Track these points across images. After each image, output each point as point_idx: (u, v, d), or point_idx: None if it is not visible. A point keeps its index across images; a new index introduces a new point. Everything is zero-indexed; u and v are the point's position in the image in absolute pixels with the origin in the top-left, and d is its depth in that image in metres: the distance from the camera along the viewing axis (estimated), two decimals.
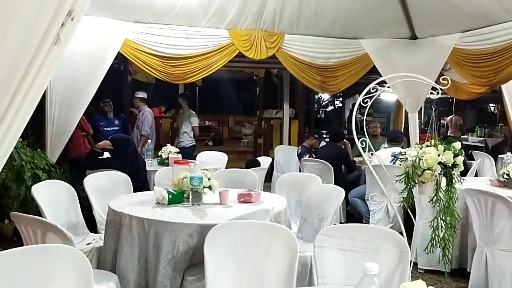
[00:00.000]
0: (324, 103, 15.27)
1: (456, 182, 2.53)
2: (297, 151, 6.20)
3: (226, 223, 2.38)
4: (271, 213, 2.72)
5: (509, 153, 5.37)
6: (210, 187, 3.04)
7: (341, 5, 5.43)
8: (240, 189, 3.25)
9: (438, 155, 2.46)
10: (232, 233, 2.28)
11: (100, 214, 3.47)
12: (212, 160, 5.58)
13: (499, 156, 6.46)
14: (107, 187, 3.66)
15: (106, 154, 4.56)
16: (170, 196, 2.95)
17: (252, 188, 3.51)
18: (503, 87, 6.34)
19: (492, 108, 12.79)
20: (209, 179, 3.05)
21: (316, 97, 13.62)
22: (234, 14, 5.33)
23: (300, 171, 5.85)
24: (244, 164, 5.69)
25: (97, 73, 4.91)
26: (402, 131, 7.23)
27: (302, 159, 5.79)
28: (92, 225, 3.49)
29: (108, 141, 4.51)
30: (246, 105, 15.06)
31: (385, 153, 5.11)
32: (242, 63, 7.14)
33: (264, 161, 5.67)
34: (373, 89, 2.71)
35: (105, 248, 2.82)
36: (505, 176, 3.91)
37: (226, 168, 5.21)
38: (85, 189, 3.55)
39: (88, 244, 3.13)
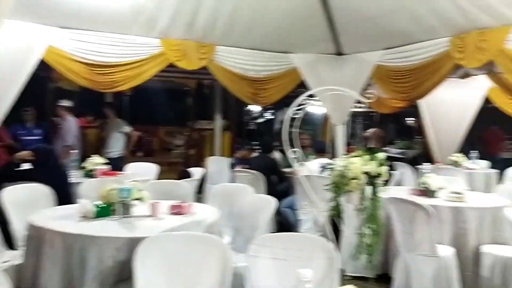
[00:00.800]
0: (254, 115, 15.45)
1: (380, 191, 2.67)
2: (230, 162, 6.22)
3: (157, 235, 2.33)
4: (203, 224, 2.69)
5: (426, 164, 5.72)
6: (140, 199, 2.95)
7: (272, 20, 5.54)
8: (172, 200, 3.19)
9: (364, 165, 2.58)
10: (164, 246, 2.23)
11: (19, 229, 3.23)
12: (142, 172, 5.43)
13: (418, 166, 6.88)
14: (26, 201, 3.42)
15: (26, 166, 4.28)
16: (98, 209, 2.82)
17: (184, 199, 3.46)
18: (421, 102, 6.81)
19: (410, 122, 13.62)
20: (140, 190, 2.96)
21: (247, 109, 13.76)
22: (165, 22, 5.24)
23: (232, 182, 5.86)
24: (175, 175, 5.59)
25: (16, 80, 4.59)
26: (329, 143, 7.50)
27: (234, 169, 5.81)
28: (10, 242, 3.25)
29: (29, 152, 4.24)
30: (177, 116, 14.84)
31: (313, 164, 5.27)
32: (175, 73, 7.07)
33: (197, 172, 5.62)
34: (303, 101, 2.79)
35: (25, 266, 2.63)
36: (424, 185, 4.17)
37: (157, 179, 5.09)
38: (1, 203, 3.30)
39: (5, 262, 2.90)
